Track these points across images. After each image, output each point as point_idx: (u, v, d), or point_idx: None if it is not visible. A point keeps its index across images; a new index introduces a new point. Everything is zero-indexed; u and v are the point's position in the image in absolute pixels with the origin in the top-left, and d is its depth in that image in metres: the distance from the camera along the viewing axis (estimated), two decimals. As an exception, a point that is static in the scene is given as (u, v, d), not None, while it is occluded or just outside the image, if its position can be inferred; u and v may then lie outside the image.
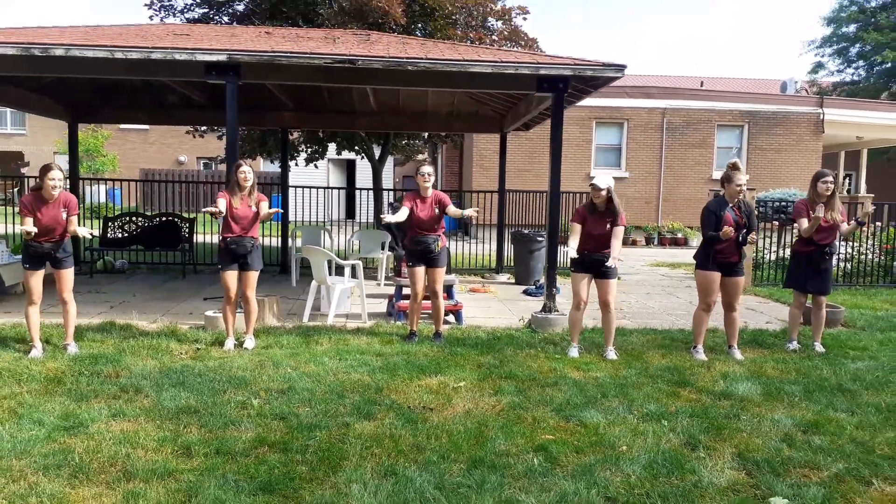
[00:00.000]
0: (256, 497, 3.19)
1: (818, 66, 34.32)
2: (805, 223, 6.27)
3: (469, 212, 6.29)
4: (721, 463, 3.73)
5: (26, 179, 16.02)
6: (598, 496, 3.27)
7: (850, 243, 10.98)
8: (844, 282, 10.77)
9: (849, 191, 7.09)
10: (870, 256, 11.04)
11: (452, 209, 6.47)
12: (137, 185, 17.95)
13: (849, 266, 10.96)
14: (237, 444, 3.81)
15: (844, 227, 6.43)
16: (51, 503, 3.09)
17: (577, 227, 6.03)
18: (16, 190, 24.72)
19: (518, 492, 3.31)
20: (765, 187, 18.81)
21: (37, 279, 5.66)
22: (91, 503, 3.11)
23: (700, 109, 20.48)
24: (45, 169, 5.59)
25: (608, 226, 5.97)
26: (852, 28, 32.32)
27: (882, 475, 3.62)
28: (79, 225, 5.81)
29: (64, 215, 5.65)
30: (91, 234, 5.83)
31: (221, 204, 5.98)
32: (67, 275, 5.76)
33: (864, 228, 11.18)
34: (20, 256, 8.48)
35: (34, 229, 5.50)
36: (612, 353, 6.07)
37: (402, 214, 6.34)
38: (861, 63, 32.90)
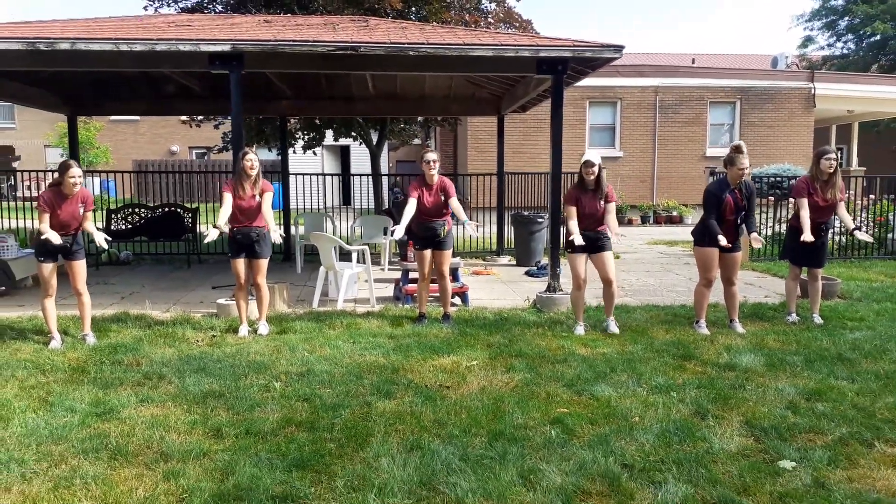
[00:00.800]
0: (290, 473, 3.34)
1: (807, 40, 34.33)
2: (805, 203, 6.39)
3: (469, 227, 6.40)
4: (730, 430, 3.90)
5: (17, 173, 16.08)
6: (616, 463, 3.44)
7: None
8: (840, 255, 10.96)
9: (841, 164, 7.20)
10: (864, 229, 11.24)
11: (455, 204, 6.49)
12: (132, 176, 17.94)
13: (844, 239, 11.15)
14: (265, 424, 3.96)
15: (843, 212, 6.54)
16: (95, 484, 3.22)
17: (573, 210, 6.16)
18: (8, 185, 24.66)
19: (539, 461, 3.47)
20: (758, 163, 18.91)
21: (51, 271, 5.76)
22: (134, 482, 3.25)
23: (692, 87, 20.56)
24: (66, 166, 5.69)
25: (600, 202, 6.12)
26: (841, 1, 32.33)
27: (883, 438, 3.80)
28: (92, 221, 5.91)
29: (81, 210, 5.76)
30: (107, 239, 5.90)
31: (213, 233, 5.98)
32: (80, 266, 5.87)
33: (858, 202, 11.38)
34: (29, 250, 8.61)
35: (55, 238, 5.57)
36: (613, 325, 6.24)
37: (409, 210, 6.38)
38: (850, 36, 32.92)
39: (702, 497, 3.13)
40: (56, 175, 5.81)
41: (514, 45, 6.90)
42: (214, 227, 6.04)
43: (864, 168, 21.53)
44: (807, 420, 4.06)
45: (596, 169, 6.05)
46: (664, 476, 3.30)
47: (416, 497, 3.12)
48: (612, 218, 6.13)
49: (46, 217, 5.64)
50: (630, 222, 19.62)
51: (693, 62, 26.50)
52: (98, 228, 6.17)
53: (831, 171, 6.38)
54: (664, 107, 20.55)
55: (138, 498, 3.11)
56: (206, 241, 6.05)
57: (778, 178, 11.45)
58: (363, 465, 3.42)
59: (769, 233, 10.95)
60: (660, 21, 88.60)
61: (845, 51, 33.39)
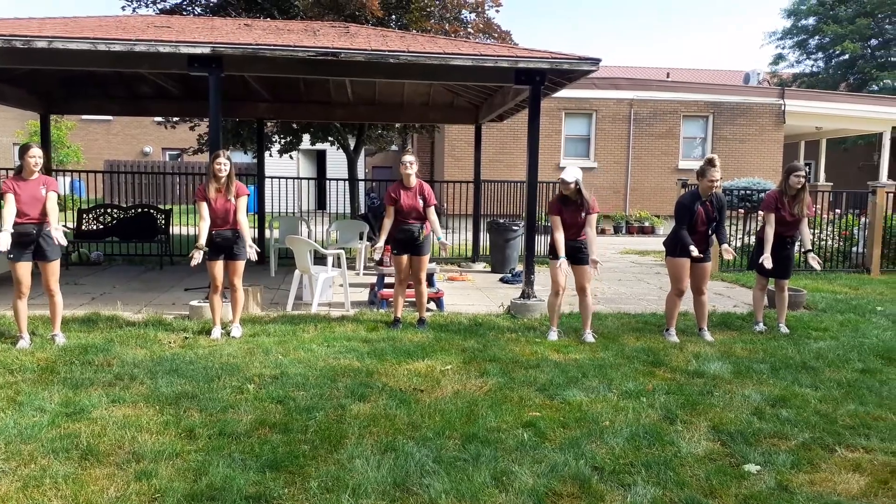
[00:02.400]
0: (264, 474, 3.34)
1: (779, 58, 35.12)
2: (772, 218, 6.57)
3: (438, 243, 6.63)
4: (697, 435, 3.99)
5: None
6: (586, 466, 3.50)
7: (812, 230, 11.43)
8: (806, 267, 11.17)
9: (808, 179, 7.43)
10: (829, 242, 11.52)
11: (432, 215, 6.61)
12: (102, 176, 17.69)
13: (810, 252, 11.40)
14: (238, 425, 3.96)
15: (805, 230, 6.75)
16: (66, 483, 3.20)
17: (557, 220, 6.25)
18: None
19: (511, 463, 3.52)
20: (729, 176, 19.30)
21: (25, 270, 5.67)
22: (105, 482, 3.23)
23: (666, 100, 20.92)
24: (26, 147, 5.66)
25: (582, 214, 6.22)
26: (811, 21, 33.14)
27: (845, 443, 3.92)
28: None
29: (43, 191, 5.67)
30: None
31: (198, 256, 6.02)
32: (54, 266, 5.79)
33: (825, 216, 11.66)
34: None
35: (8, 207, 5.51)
36: (590, 336, 6.33)
37: (387, 223, 6.59)
38: (820, 55, 33.76)
39: (670, 499, 3.20)
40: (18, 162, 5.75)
41: (494, 56, 6.99)
42: (197, 248, 6.05)
43: (832, 183, 22.00)
44: (771, 425, 4.16)
45: (572, 186, 6.14)
46: (633, 478, 3.37)
47: (389, 498, 3.15)
48: (591, 231, 6.23)
49: (10, 198, 5.55)
50: (603, 232, 19.84)
51: (668, 76, 26.97)
52: (67, 227, 6.09)
53: (799, 186, 6.56)
54: (638, 119, 20.87)
55: (109, 498, 3.10)
56: (192, 264, 6.03)
57: (748, 192, 11.72)
58: (337, 467, 3.44)
59: (739, 244, 11.16)
60: (636, 36, 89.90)
61: (815, 69, 34.23)
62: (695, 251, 6.10)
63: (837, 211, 11.89)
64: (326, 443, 3.73)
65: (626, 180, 21.03)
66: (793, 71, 34.95)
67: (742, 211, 11.55)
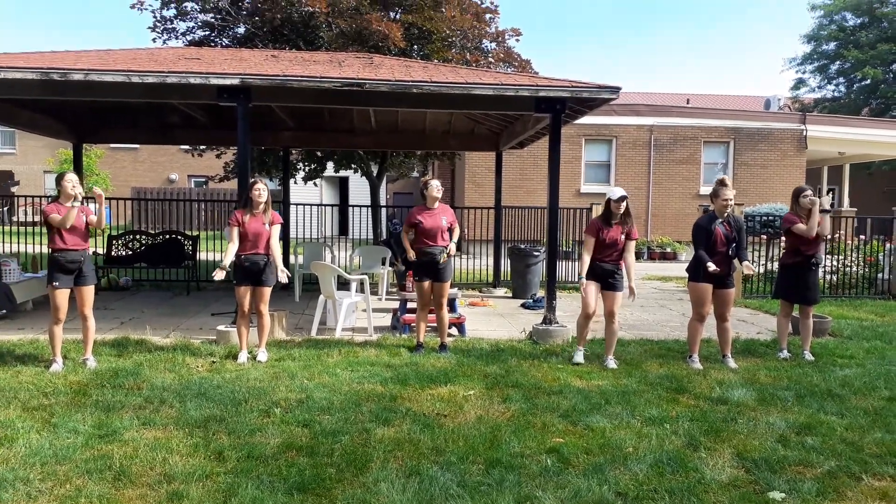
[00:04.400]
0: (292, 496, 3.41)
1: (800, 83, 35.07)
2: (802, 227, 6.57)
3: (450, 249, 6.72)
4: (721, 462, 3.99)
5: (16, 198, 16.20)
6: (610, 492, 3.52)
7: (836, 256, 11.36)
8: (831, 293, 11.12)
9: (832, 205, 7.46)
10: (854, 269, 11.41)
11: (455, 232, 6.81)
12: (129, 203, 18.07)
13: (835, 278, 11.32)
14: (266, 448, 4.03)
15: (819, 229, 6.72)
16: (100, 503, 3.29)
17: (592, 241, 6.34)
18: (5, 209, 24.76)
19: (535, 489, 3.55)
20: (751, 202, 19.26)
21: (64, 297, 5.84)
22: (138, 502, 3.32)
23: (687, 126, 20.96)
24: (62, 175, 5.86)
25: (622, 237, 6.29)
26: (832, 46, 33.11)
27: (871, 471, 3.89)
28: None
29: (84, 219, 5.88)
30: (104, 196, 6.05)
31: (220, 274, 6.23)
32: (89, 291, 5.97)
33: (849, 241, 11.57)
34: (30, 274, 8.70)
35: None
36: (612, 363, 6.33)
37: (407, 240, 6.78)
38: (841, 80, 33.67)
39: (694, 525, 3.21)
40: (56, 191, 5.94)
41: (515, 85, 7.11)
42: (220, 268, 6.23)
43: (856, 209, 21.85)
44: (797, 453, 4.15)
45: (623, 203, 6.27)
46: (657, 504, 3.38)
47: (415, 521, 3.19)
48: (630, 257, 6.36)
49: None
50: (625, 258, 19.79)
51: (688, 102, 27.01)
52: (97, 253, 6.26)
53: (810, 206, 6.58)
54: (659, 145, 20.91)
55: (143, 517, 3.18)
56: (216, 278, 6.22)
57: (770, 217, 11.66)
58: (363, 490, 3.49)
59: (762, 270, 11.10)
60: (656, 63, 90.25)
61: (836, 94, 34.10)
62: (712, 266, 6.11)
63: (862, 237, 11.79)
64: (352, 466, 3.79)
65: (647, 206, 21.01)
66: (814, 96, 34.85)
67: (765, 237, 11.50)
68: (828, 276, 11.30)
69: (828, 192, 7.13)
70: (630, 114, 20.82)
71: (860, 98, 32.67)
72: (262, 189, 6.35)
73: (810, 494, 3.57)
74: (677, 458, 3.98)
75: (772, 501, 3.48)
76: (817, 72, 34.27)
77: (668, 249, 20.15)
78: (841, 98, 33.56)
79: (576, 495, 3.47)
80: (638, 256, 20.04)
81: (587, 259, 6.32)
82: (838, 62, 33.05)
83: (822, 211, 6.70)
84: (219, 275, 6.21)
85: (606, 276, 6.32)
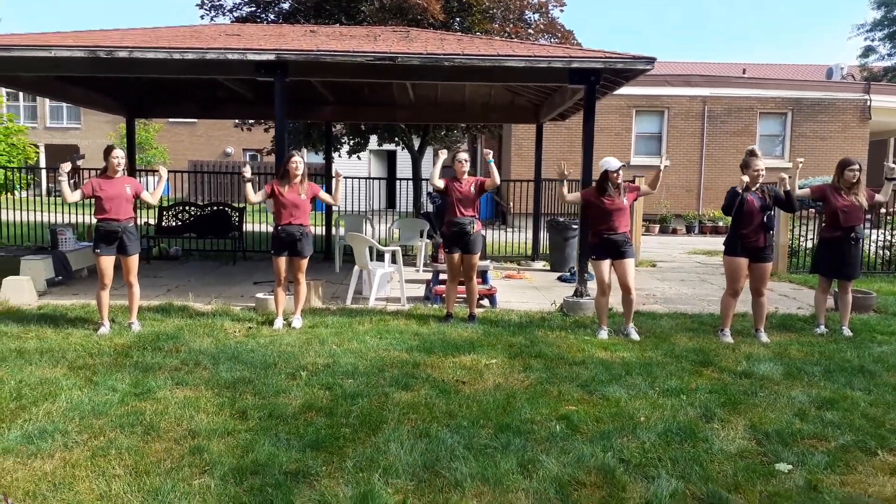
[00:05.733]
0: (305, 453, 3.59)
1: (868, 50, 33.38)
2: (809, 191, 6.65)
3: (487, 155, 6.81)
4: (733, 433, 3.99)
5: (81, 171, 16.94)
6: (613, 458, 3.58)
7: (892, 231, 10.92)
8: (883, 269, 10.74)
9: (892, 178, 7.17)
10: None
11: (490, 180, 6.82)
12: (185, 175, 18.65)
13: (889, 253, 10.91)
14: (287, 409, 4.23)
15: (880, 196, 6.63)
16: (128, 454, 3.53)
17: (579, 198, 6.63)
18: (72, 181, 25.84)
19: (539, 453, 3.64)
20: (805, 175, 18.56)
21: (108, 263, 6.18)
22: (162, 454, 3.55)
23: (742, 97, 20.29)
24: (110, 148, 6.25)
25: (624, 201, 6.29)
26: (905, 11, 31.37)
27: (888, 447, 3.83)
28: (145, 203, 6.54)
29: (128, 190, 6.18)
30: (163, 171, 6.61)
31: (247, 171, 6.72)
32: (133, 260, 6.29)
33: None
34: (85, 243, 9.16)
35: (73, 196, 6.17)
36: (633, 332, 6.34)
37: (439, 182, 6.80)
38: (914, 47, 31.94)
39: (691, 492, 3.25)
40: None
41: (547, 57, 7.08)
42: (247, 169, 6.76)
43: (922, 182, 20.86)
44: (812, 427, 4.11)
45: (620, 172, 6.30)
46: (658, 472, 3.43)
47: (417, 479, 3.33)
48: (651, 176, 6.51)
49: (77, 191, 6.21)
50: (675, 232, 19.46)
51: (744, 72, 26.07)
52: (149, 224, 6.65)
53: (854, 181, 6.40)
54: (712, 117, 20.33)
55: (165, 468, 3.40)
56: (245, 172, 6.73)
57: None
58: (373, 449, 3.65)
59: (808, 245, 10.78)
60: (708, 32, 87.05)
61: (908, 62, 32.35)
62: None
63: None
64: (366, 427, 3.95)
65: (699, 179, 20.52)
66: (884, 64, 33.16)
67: (813, 210, 11.13)
68: (881, 251, 10.90)
69: (891, 162, 6.81)
70: (683, 84, 20.27)
71: (934, 66, 30.96)
72: (299, 161, 6.54)
73: (818, 467, 3.55)
74: (688, 429, 4.00)
75: (776, 473, 3.48)
76: (887, 39, 32.54)
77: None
78: (913, 66, 31.86)
79: (578, 460, 3.55)
80: (689, 230, 19.70)
81: (566, 191, 6.74)
82: (911, 28, 31.32)
83: (887, 179, 6.56)
84: (246, 171, 6.74)
85: (617, 246, 6.31)
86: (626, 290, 6.38)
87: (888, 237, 10.90)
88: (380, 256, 8.36)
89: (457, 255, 6.80)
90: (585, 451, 3.64)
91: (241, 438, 3.77)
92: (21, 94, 32.96)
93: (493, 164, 6.73)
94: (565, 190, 6.79)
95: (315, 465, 3.44)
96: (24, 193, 17.23)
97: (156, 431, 3.85)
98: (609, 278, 6.38)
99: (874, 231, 10.87)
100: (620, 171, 6.29)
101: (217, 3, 12.99)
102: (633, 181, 11.07)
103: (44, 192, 17.09)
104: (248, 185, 6.69)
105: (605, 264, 6.37)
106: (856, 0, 66.82)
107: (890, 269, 10.79)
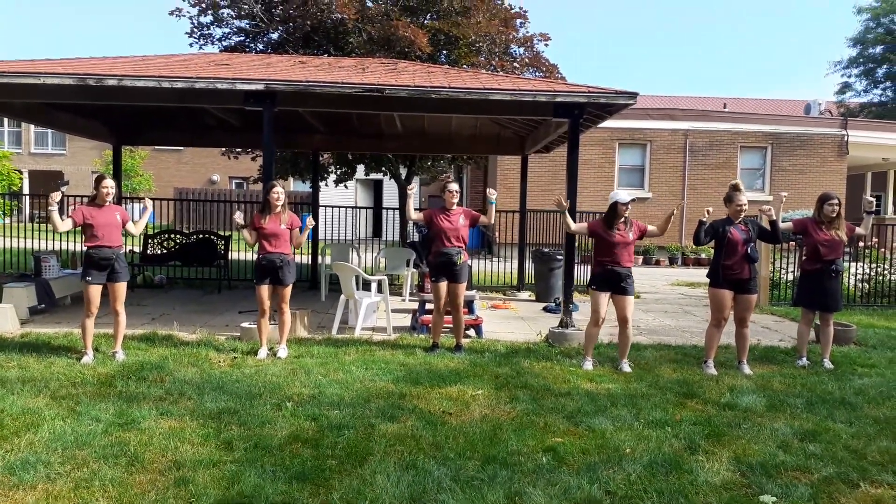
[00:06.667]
0: (291, 484, 3.57)
1: (845, 87, 34.26)
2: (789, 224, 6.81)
3: (491, 195, 6.86)
4: (718, 465, 4.02)
5: (65, 198, 16.86)
6: (599, 490, 3.60)
7: (871, 264, 11.11)
8: (862, 302, 10.90)
9: (871, 211, 7.37)
10: (890, 277, 11.15)
11: (486, 217, 6.94)
12: (172, 203, 18.62)
13: (867, 286, 11.09)
14: (273, 440, 4.21)
15: (860, 229, 6.86)
16: (112, 486, 3.49)
17: (585, 228, 6.73)
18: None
19: (526, 485, 3.64)
20: (785, 208, 18.87)
21: (96, 291, 6.16)
22: (147, 486, 3.51)
23: (723, 131, 20.69)
24: (101, 177, 6.28)
25: (630, 235, 6.36)
26: (879, 49, 32.26)
27: (870, 479, 3.88)
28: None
29: (118, 217, 6.19)
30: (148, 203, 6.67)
31: (239, 217, 6.63)
32: (122, 288, 6.27)
33: (885, 249, 11.31)
34: (69, 271, 9.09)
35: (64, 225, 6.09)
36: (626, 366, 6.37)
37: (416, 215, 6.92)
38: (889, 84, 32.78)
39: (677, 524, 3.27)
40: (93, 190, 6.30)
41: (532, 91, 7.20)
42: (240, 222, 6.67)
43: (900, 216, 21.27)
44: (796, 459, 4.15)
45: (629, 206, 6.42)
46: (644, 503, 3.45)
47: (405, 511, 3.32)
48: (661, 222, 6.64)
49: (67, 220, 6.15)
50: (658, 263, 19.64)
51: (724, 107, 26.62)
52: (133, 252, 6.63)
53: (834, 215, 6.55)
54: (694, 150, 20.68)
55: (150, 500, 3.37)
56: (236, 216, 6.66)
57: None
58: (359, 481, 3.63)
59: (790, 278, 10.95)
60: (692, 69, 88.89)
61: (883, 98, 33.18)
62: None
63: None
64: (352, 458, 3.94)
65: (682, 211, 20.78)
66: (860, 101, 33.99)
67: (794, 244, 11.31)
68: (860, 285, 11.07)
69: (869, 196, 7.06)
70: (665, 118, 20.65)
71: (908, 102, 31.79)
72: (280, 192, 6.59)
73: (802, 499, 3.58)
74: (673, 461, 4.03)
75: (761, 504, 3.51)
76: (863, 76, 33.44)
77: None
78: (888, 103, 32.67)
79: (565, 492, 3.55)
80: (671, 262, 19.88)
81: (571, 222, 6.82)
82: (885, 66, 32.19)
83: (866, 212, 6.75)
84: (238, 216, 6.65)
85: (618, 280, 6.36)
86: (623, 323, 6.43)
87: (866, 270, 11.09)
88: (366, 286, 8.37)
89: (443, 285, 6.83)
90: (572, 483, 3.65)
91: (226, 470, 3.74)
92: (6, 119, 32.86)
93: (494, 205, 6.81)
94: (569, 220, 6.84)
95: (302, 497, 3.43)
96: (6, 220, 17.10)
97: (140, 462, 3.81)
98: (604, 311, 6.43)
99: (853, 264, 11.05)
100: (629, 205, 6.36)
101: (206, 33, 13.11)
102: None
103: (27, 218, 16.96)
104: (244, 231, 6.68)
105: (604, 297, 6.42)
106: (833, 38, 68.64)
107: (868, 301, 10.96)
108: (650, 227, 6.61)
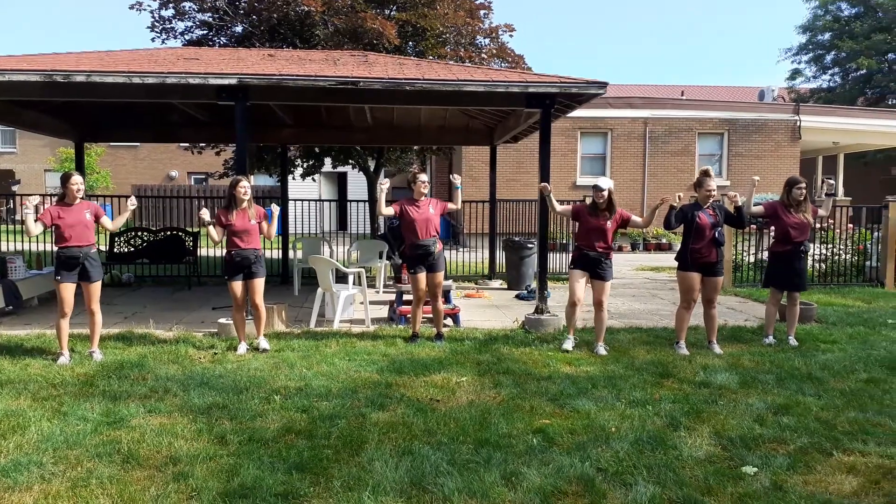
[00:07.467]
0: (291, 475, 3.62)
1: (795, 73, 35.19)
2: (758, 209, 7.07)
3: (455, 179, 6.96)
4: (699, 440, 4.20)
5: (16, 197, 16.41)
6: (591, 468, 3.73)
7: (826, 244, 11.55)
8: (820, 281, 11.32)
9: (832, 193, 7.67)
10: (843, 256, 11.60)
11: (453, 203, 7.01)
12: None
13: (824, 266, 11.52)
14: (266, 432, 4.24)
15: (822, 210, 7.16)
16: (111, 483, 3.50)
17: (569, 209, 6.82)
18: (6, 208, 24.94)
19: (521, 466, 3.76)
20: (745, 192, 19.38)
21: (69, 291, 6.05)
22: (146, 482, 3.53)
23: (681, 118, 21.13)
24: (68, 175, 6.14)
25: (608, 223, 6.50)
26: (827, 36, 33.21)
27: (842, 447, 4.10)
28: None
29: (87, 216, 6.08)
30: (133, 204, 6.54)
31: (206, 214, 6.50)
32: (96, 287, 6.18)
33: (840, 230, 11.76)
34: (35, 271, 8.90)
35: (36, 228, 5.97)
36: (602, 349, 6.54)
37: (387, 210, 6.93)
38: (836, 70, 33.77)
39: (668, 497, 3.42)
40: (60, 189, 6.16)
41: (505, 82, 7.31)
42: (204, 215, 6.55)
43: (850, 198, 22.03)
44: (772, 431, 4.36)
45: (605, 193, 6.51)
46: (635, 479, 3.60)
47: (406, 495, 3.40)
48: (647, 214, 6.82)
49: (38, 224, 6.01)
50: (620, 249, 20.00)
51: (682, 94, 27.14)
52: (100, 250, 6.52)
53: (801, 198, 6.80)
54: (654, 137, 21.08)
55: (151, 495, 3.38)
56: (202, 214, 6.51)
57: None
58: (358, 468, 3.71)
59: (752, 260, 11.31)
60: (650, 56, 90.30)
61: (832, 84, 34.20)
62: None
63: (850, 226, 11.97)
64: (348, 447, 4.00)
65: (642, 197, 21.19)
66: (810, 86, 34.98)
67: (755, 227, 11.69)
68: (818, 265, 11.50)
69: (829, 178, 7.37)
70: (625, 106, 20.99)
71: (855, 88, 32.79)
72: (247, 186, 6.56)
73: (781, 468, 3.77)
74: (657, 437, 4.19)
75: (744, 475, 3.69)
76: (813, 62, 34.38)
77: (664, 240, 20.34)
78: (836, 88, 33.67)
79: (558, 471, 3.68)
80: (633, 247, 20.28)
81: (555, 204, 6.91)
82: (833, 52, 33.16)
83: (827, 195, 7.02)
84: (203, 213, 6.51)
85: (594, 264, 6.53)
86: (597, 306, 6.59)
87: (824, 251, 11.52)
88: (342, 278, 8.39)
89: (422, 276, 6.90)
90: (564, 462, 3.78)
91: (223, 463, 3.77)
92: (-49, 117, 31.66)
93: (460, 189, 6.88)
94: (554, 202, 6.94)
95: (303, 486, 3.48)
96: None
97: (135, 459, 3.81)
98: (580, 292, 6.58)
99: (811, 245, 11.47)
100: (605, 193, 6.49)
101: (168, 27, 12.86)
102: (584, 201, 11.47)
103: (-19, 218, 16.44)
104: (211, 228, 6.59)
105: (580, 277, 6.56)
106: (783, 25, 70.33)
107: (826, 281, 11.39)
108: (634, 218, 6.75)
